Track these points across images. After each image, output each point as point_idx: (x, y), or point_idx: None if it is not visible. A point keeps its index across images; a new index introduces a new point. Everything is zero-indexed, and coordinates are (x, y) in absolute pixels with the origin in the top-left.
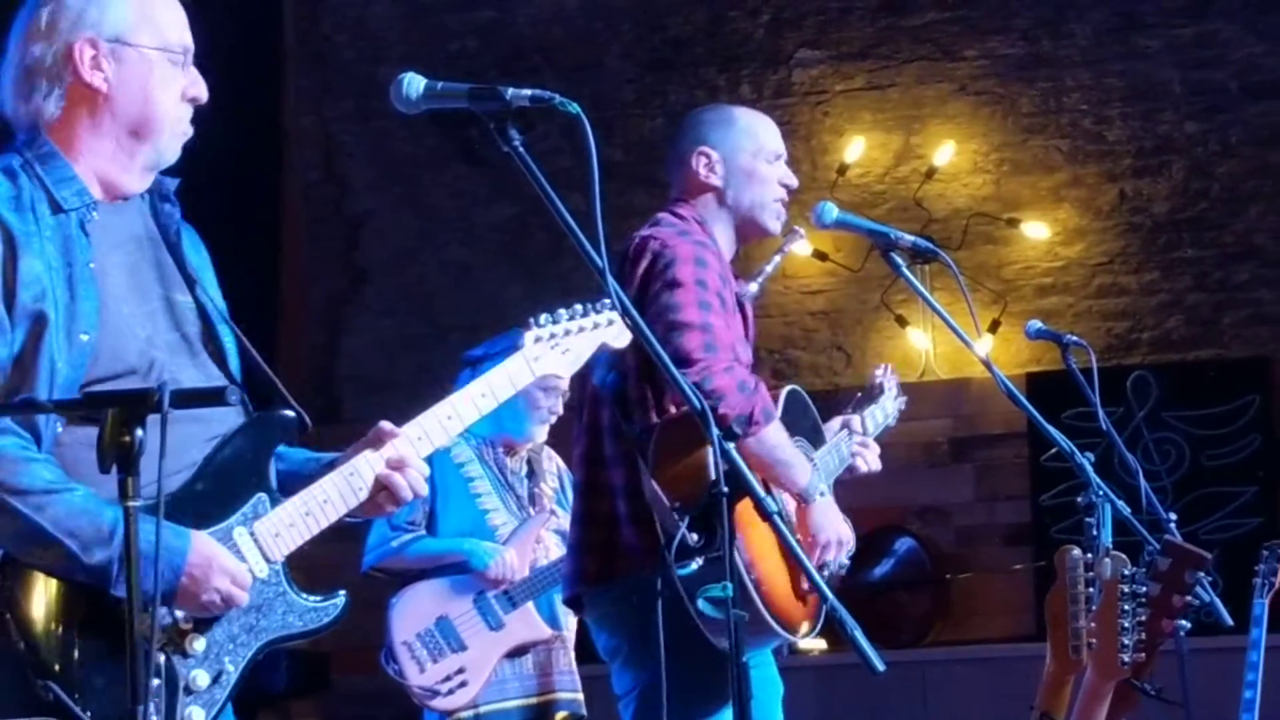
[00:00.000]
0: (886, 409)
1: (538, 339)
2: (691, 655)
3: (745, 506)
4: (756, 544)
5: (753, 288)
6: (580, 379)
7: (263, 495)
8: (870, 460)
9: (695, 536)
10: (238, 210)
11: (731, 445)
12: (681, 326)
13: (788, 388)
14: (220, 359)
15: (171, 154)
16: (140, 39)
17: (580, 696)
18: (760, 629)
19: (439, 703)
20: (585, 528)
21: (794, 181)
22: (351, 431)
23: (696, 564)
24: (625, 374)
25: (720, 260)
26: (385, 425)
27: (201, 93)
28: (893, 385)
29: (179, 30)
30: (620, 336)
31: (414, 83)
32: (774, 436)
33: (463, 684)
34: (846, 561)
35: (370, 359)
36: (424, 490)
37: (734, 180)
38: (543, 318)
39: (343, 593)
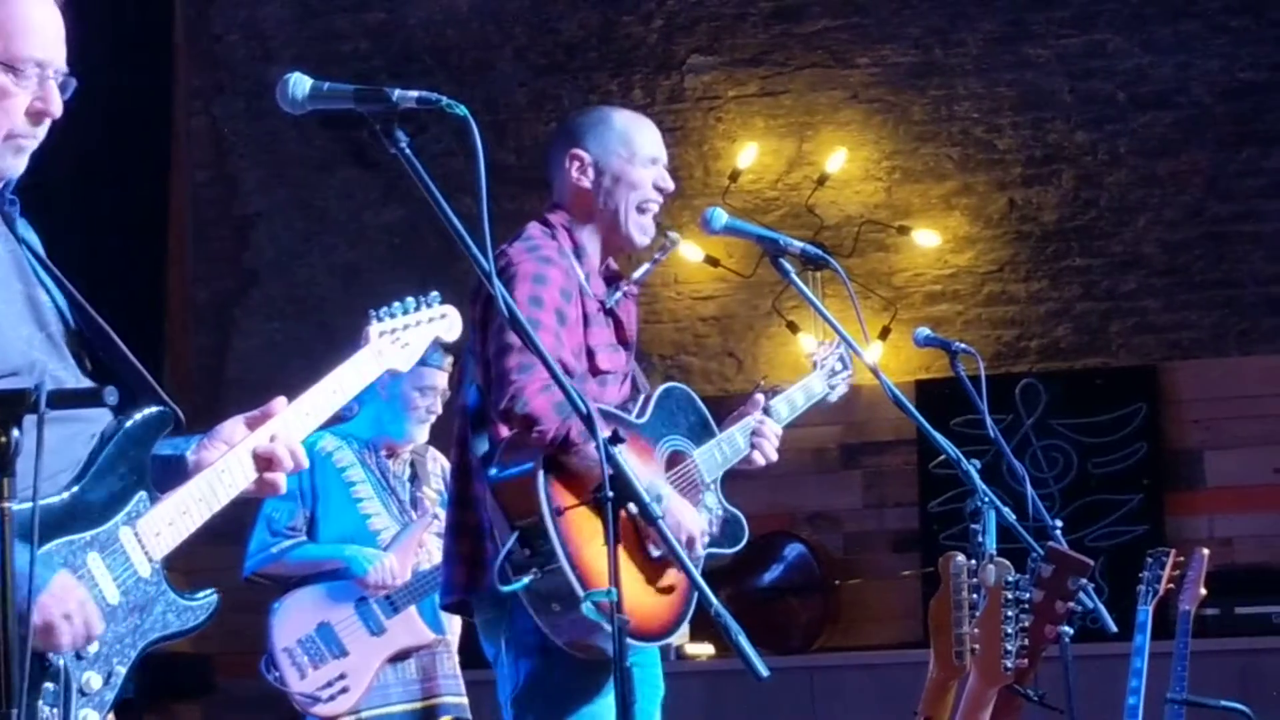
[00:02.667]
0: (811, 389)
1: (381, 333)
2: (561, 657)
3: (579, 513)
4: (594, 556)
5: (616, 294)
6: (456, 391)
7: (143, 494)
8: (767, 450)
9: (526, 551)
10: (126, 209)
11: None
12: (504, 349)
13: (661, 387)
14: (79, 356)
15: (8, 168)
16: None
17: (464, 700)
18: (592, 629)
19: (320, 709)
20: (456, 538)
21: (670, 185)
22: None
23: (525, 580)
24: (479, 389)
25: (569, 273)
26: (274, 405)
27: (48, 108)
28: (829, 360)
29: (35, 43)
30: (452, 329)
31: (300, 83)
32: (585, 456)
33: (344, 690)
34: (702, 553)
35: (258, 361)
36: (305, 463)
37: (604, 184)
38: (382, 311)
39: (214, 591)
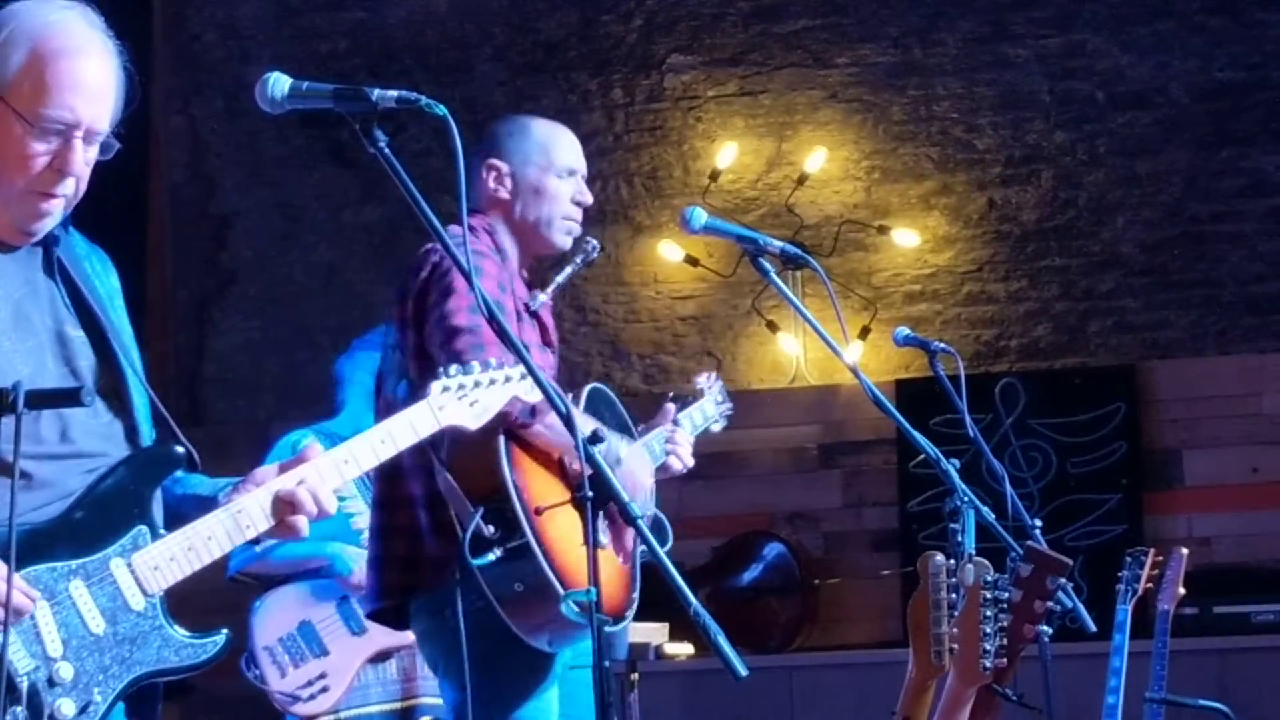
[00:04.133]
0: (706, 411)
1: (445, 389)
2: (501, 662)
3: (546, 491)
4: (556, 534)
5: (541, 297)
6: (375, 390)
7: (143, 528)
8: (684, 457)
9: (491, 528)
10: (104, 209)
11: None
12: (452, 331)
13: (590, 385)
14: (118, 393)
15: (32, 222)
16: (14, 97)
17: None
18: (565, 620)
19: (300, 708)
20: (386, 541)
21: (588, 199)
22: (216, 434)
23: (494, 555)
24: (412, 383)
25: (500, 269)
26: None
27: (67, 165)
28: (714, 389)
29: (63, 103)
30: (533, 391)
31: (279, 82)
32: (549, 426)
33: (324, 689)
34: (653, 509)
35: (236, 361)
36: (331, 509)
37: (521, 194)
38: (453, 369)
39: (224, 631)
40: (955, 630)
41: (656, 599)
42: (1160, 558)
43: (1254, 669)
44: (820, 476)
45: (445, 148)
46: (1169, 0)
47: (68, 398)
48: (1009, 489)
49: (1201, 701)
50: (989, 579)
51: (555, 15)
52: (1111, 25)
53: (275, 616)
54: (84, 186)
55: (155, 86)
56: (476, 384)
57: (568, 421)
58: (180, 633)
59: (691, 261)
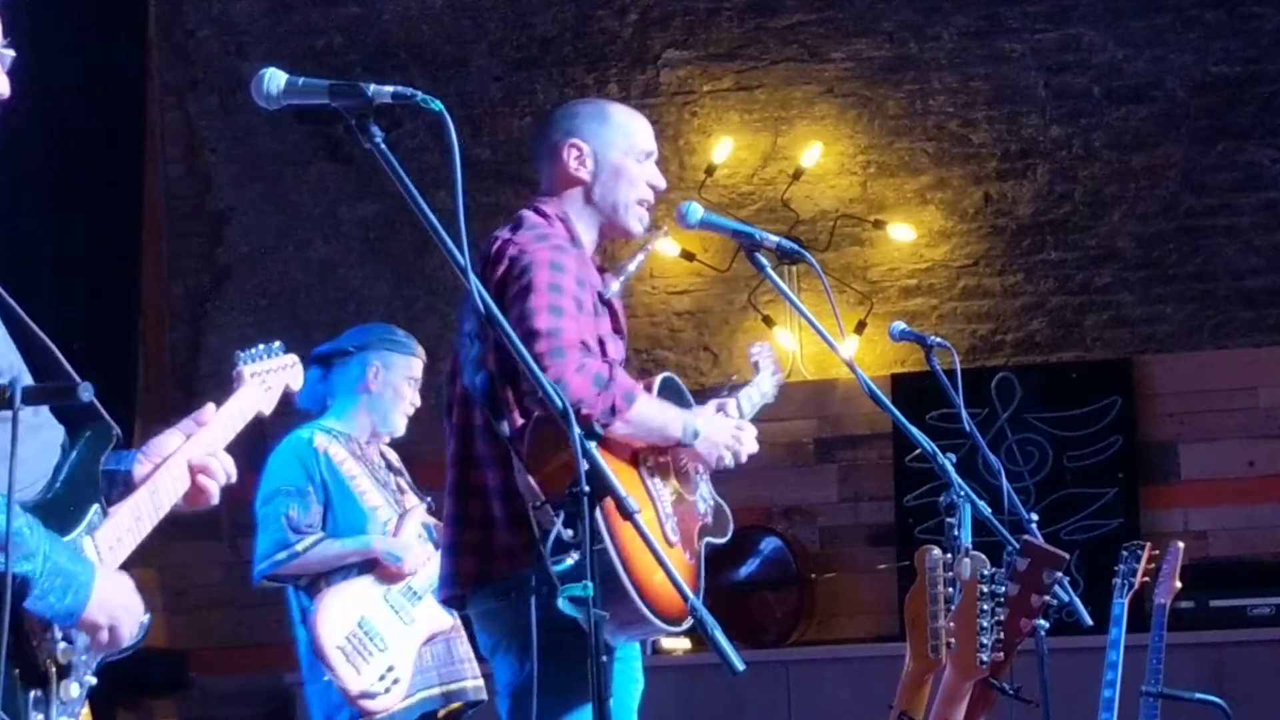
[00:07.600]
0: (763, 387)
1: (253, 374)
2: (565, 650)
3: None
4: (630, 537)
5: (615, 286)
6: (449, 378)
7: (97, 506)
8: (746, 441)
9: (570, 532)
10: (99, 204)
11: (594, 445)
12: (530, 334)
13: (662, 375)
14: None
15: None
16: None
17: (481, 683)
18: (637, 620)
19: (375, 704)
20: (460, 529)
21: (662, 183)
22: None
23: (572, 559)
24: (491, 375)
25: (579, 260)
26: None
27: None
28: (768, 362)
29: None
30: (296, 379)
31: (275, 78)
32: (641, 412)
33: (395, 680)
34: (755, 447)
35: (232, 356)
36: (234, 475)
37: (602, 176)
38: (248, 355)
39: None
40: (952, 624)
41: None
42: (1156, 551)
43: (1250, 662)
44: (816, 471)
45: (441, 143)
46: None
47: (64, 394)
48: (1005, 483)
49: (1198, 695)
50: (985, 573)
51: (550, 10)
52: (1107, 19)
53: (334, 616)
54: None
55: (151, 81)
56: (269, 370)
57: (565, 419)
58: None
59: (687, 256)
